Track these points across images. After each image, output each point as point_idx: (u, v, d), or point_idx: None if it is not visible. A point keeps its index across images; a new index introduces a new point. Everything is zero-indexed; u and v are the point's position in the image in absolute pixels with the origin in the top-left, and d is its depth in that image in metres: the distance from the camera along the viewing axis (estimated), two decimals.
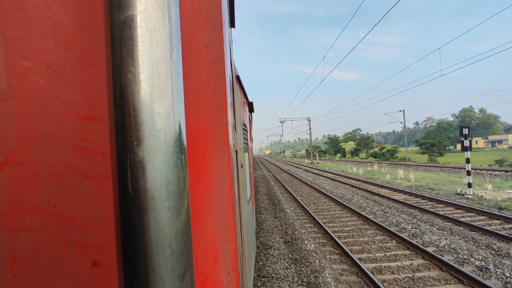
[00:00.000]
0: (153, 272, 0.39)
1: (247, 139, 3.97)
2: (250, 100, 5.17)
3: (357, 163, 50.61)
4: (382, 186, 18.98)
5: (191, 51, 0.73)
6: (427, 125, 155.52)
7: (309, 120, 63.72)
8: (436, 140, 64.70)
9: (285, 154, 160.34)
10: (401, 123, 54.14)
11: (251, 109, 5.52)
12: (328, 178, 26.18)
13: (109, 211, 0.59)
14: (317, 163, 54.55)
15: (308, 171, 35.37)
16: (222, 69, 0.76)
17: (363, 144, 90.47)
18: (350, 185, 20.44)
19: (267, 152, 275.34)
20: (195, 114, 0.71)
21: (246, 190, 3.11)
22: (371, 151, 76.40)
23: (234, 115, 1.43)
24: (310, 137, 66.14)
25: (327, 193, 16.16)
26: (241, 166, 2.33)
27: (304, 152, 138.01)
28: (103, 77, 0.56)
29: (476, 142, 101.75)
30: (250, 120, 5.68)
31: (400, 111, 54.58)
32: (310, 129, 64.62)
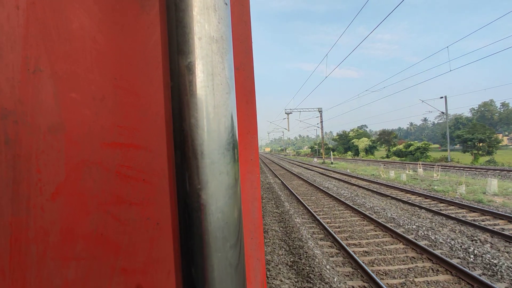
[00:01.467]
0: None
1: None
2: None
3: (379, 164, 40.50)
4: None
5: None
6: (440, 121, 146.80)
7: (320, 111, 52.44)
8: (486, 135, 50.42)
9: (287, 151, 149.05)
10: (441, 111, 43.37)
11: None
12: (366, 189, 16.71)
13: (151, 237, 0.61)
14: (331, 163, 43.33)
15: (326, 175, 25.94)
16: (252, 91, 0.77)
17: (383, 140, 79.24)
18: (429, 210, 10.90)
19: (267, 149, 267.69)
20: None
21: None
22: (394, 148, 63.34)
23: None
24: (322, 131, 54.02)
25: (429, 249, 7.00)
26: None
27: (309, 149, 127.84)
28: (148, 108, 0.57)
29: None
30: None
31: (442, 97, 42.17)
32: (321, 122, 52.89)
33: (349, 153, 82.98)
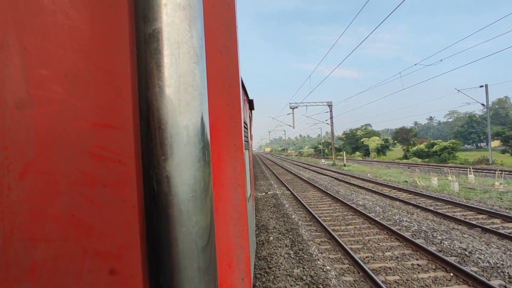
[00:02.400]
0: (181, 286, 0.39)
1: (247, 137, 3.97)
2: (250, 97, 5.16)
3: (399, 166, 35.43)
4: None
5: (207, 57, 0.73)
6: (449, 119, 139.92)
7: (330, 106, 43.96)
8: None
9: (289, 152, 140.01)
10: (481, 102, 35.23)
11: (251, 107, 5.51)
12: (426, 210, 10.76)
13: (127, 220, 0.59)
14: (344, 165, 36.11)
15: (347, 183, 19.34)
16: (236, 75, 0.76)
17: (400, 139, 70.21)
18: None
19: (267, 149, 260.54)
20: (211, 121, 0.71)
21: (247, 188, 3.11)
22: (414, 148, 54.69)
23: None
24: (332, 128, 45.17)
25: None
26: None
27: (311, 149, 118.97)
28: (123, 86, 0.55)
29: None
30: (250, 118, 5.67)
31: (481, 86, 34.34)
32: (331, 118, 44.43)
33: (358, 153, 74.51)
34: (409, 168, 32.19)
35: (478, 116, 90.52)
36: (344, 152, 76.17)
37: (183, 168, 0.38)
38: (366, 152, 71.36)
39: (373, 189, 16.09)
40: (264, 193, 16.59)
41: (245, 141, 3.15)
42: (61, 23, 0.55)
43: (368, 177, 22.94)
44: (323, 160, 51.85)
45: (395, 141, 73.11)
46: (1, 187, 0.51)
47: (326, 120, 46.00)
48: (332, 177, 24.20)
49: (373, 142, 70.05)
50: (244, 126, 3.15)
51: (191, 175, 0.39)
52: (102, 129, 0.58)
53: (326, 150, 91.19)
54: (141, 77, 0.40)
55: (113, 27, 0.55)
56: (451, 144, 45.00)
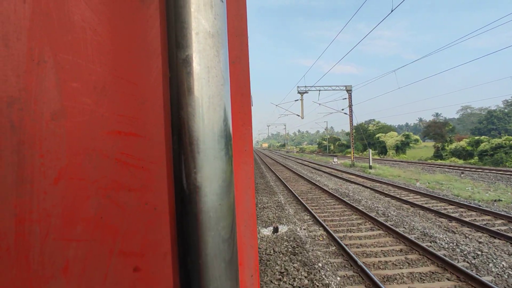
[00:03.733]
0: (208, 284, 0.44)
1: None
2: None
3: (442, 168, 28.48)
4: None
5: None
6: (462, 115, 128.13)
7: (349, 92, 33.23)
8: None
9: (289, 148, 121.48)
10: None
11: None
12: None
13: (149, 221, 0.64)
14: (369, 167, 28.01)
15: (415, 206, 11.71)
16: (247, 84, 0.81)
17: (433, 134, 55.65)
18: None
19: (265, 145, 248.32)
20: None
21: None
22: (452, 146, 44.69)
23: None
24: (351, 118, 33.70)
25: None
26: None
27: (309, 145, 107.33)
28: (151, 100, 0.60)
29: None
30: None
31: None
32: (350, 106, 33.28)
33: (371, 151, 54.53)
34: (462, 173, 24.25)
35: (499, 111, 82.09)
36: (356, 149, 64.66)
37: (212, 180, 0.43)
38: (382, 150, 60.76)
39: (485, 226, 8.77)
40: (271, 233, 8.43)
41: None
42: (90, 39, 0.59)
43: (428, 190, 15.81)
44: (335, 159, 42.23)
45: (426, 137, 61.29)
46: (38, 191, 0.55)
47: (343, 109, 34.84)
48: (371, 189, 15.97)
49: (390, 139, 59.38)
50: None
51: (219, 186, 0.44)
52: (127, 137, 0.63)
53: (332, 147, 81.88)
54: (173, 96, 0.45)
55: (142, 46, 0.59)
56: (507, 142, 33.78)
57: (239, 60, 0.79)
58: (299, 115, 35.26)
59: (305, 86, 34.06)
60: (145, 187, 0.64)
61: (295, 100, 37.23)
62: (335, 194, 14.25)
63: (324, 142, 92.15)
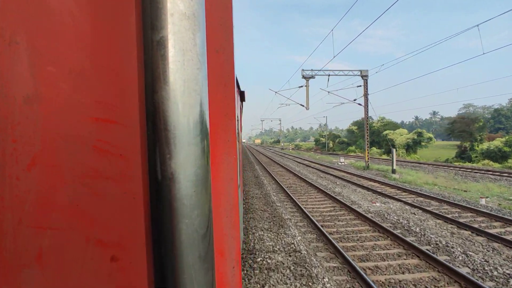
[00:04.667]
0: (182, 273, 0.43)
1: (238, 130, 4.01)
2: (241, 89, 5.16)
3: (495, 176, 21.78)
4: None
5: None
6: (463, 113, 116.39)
7: (365, 78, 26.88)
8: None
9: (283, 144, 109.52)
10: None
11: (242, 98, 5.52)
12: None
13: (127, 211, 0.63)
14: (393, 172, 22.29)
15: None
16: (231, 74, 0.79)
17: (458, 132, 47.05)
18: None
19: (258, 141, 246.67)
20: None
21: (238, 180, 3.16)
22: (484, 146, 37.90)
23: None
24: (367, 107, 27.24)
25: None
26: None
27: (313, 143, 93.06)
28: (127, 86, 0.58)
29: None
30: (241, 109, 5.69)
31: None
32: (366, 94, 27.01)
33: (375, 149, 55.95)
34: None
35: (506, 109, 76.13)
36: (355, 147, 57.76)
37: (186, 166, 0.42)
38: (390, 149, 46.42)
39: None
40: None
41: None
42: (67, 22, 0.57)
43: None
44: (342, 159, 35.12)
45: (450, 135, 52.72)
46: (10, 177, 0.53)
47: (355, 99, 27.75)
48: (424, 210, 10.80)
49: (400, 136, 51.49)
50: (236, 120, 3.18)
51: (193, 173, 0.43)
52: (104, 124, 0.61)
53: (332, 144, 75.51)
54: (147, 80, 0.44)
55: (118, 30, 0.57)
56: None
57: (223, 49, 0.78)
58: (303, 105, 27.60)
59: (311, 70, 26.89)
60: (124, 176, 0.63)
61: (300, 87, 28.53)
62: (388, 228, 8.23)
63: (322, 139, 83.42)
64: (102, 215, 0.61)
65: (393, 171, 22.36)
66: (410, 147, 49.78)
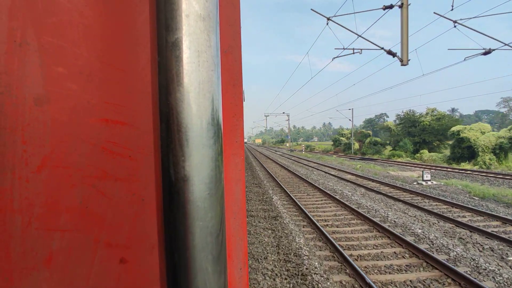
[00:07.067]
0: (195, 276, 0.43)
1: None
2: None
3: None
4: None
5: None
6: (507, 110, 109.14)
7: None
8: None
9: (288, 144, 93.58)
10: None
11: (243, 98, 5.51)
12: None
13: (136, 212, 0.62)
14: None
15: None
16: (239, 75, 0.79)
17: None
18: None
19: (258, 141, 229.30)
20: None
21: None
22: None
23: None
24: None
25: None
26: None
27: (331, 144, 69.41)
28: (139, 87, 0.58)
29: None
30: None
31: None
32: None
33: (425, 152, 40.37)
34: None
35: None
36: (398, 148, 39.93)
37: (201, 169, 0.42)
38: (464, 153, 34.40)
39: None
40: None
41: None
42: (77, 23, 0.57)
43: None
44: (427, 175, 18.37)
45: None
46: (20, 179, 0.53)
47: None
48: None
49: (482, 135, 33.56)
50: None
51: (207, 175, 0.43)
52: (114, 126, 0.61)
53: (356, 145, 55.44)
54: (161, 82, 0.43)
55: (130, 31, 0.57)
56: None
57: (232, 49, 0.77)
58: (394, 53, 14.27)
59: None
60: (133, 177, 0.63)
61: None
62: None
63: (342, 138, 63.40)
64: (111, 217, 0.61)
65: None
66: (503, 151, 32.03)
